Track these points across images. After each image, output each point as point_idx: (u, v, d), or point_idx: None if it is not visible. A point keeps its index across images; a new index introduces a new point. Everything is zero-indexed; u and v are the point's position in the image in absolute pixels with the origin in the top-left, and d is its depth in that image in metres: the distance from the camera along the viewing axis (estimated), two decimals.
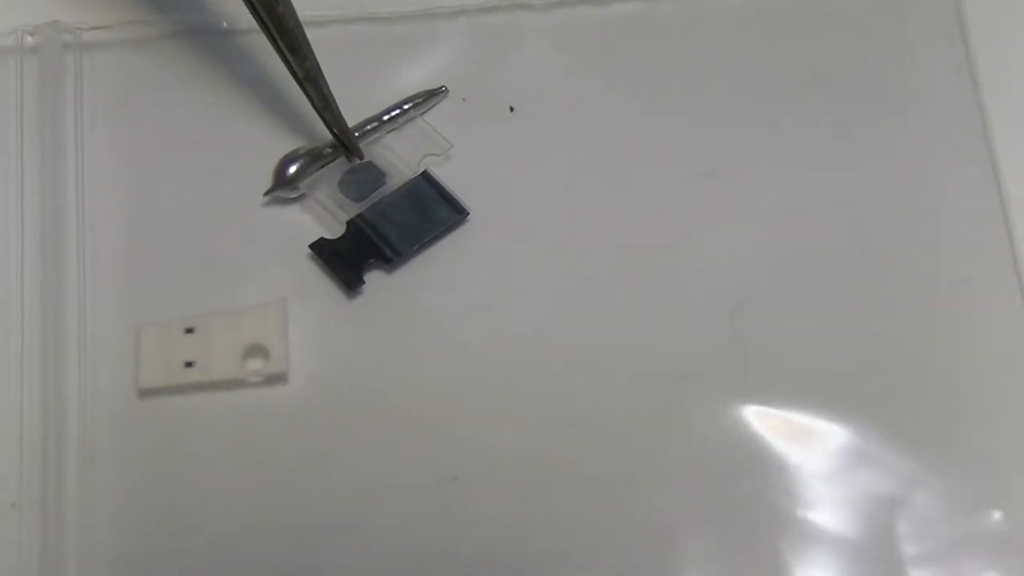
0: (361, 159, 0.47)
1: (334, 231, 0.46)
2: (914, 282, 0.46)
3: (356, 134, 0.47)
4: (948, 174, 0.47)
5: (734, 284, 0.46)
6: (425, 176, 0.46)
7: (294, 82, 0.45)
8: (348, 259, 0.45)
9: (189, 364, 0.44)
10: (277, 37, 0.44)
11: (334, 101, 0.45)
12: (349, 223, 0.46)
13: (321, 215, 0.46)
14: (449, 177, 0.47)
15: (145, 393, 0.44)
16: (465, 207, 0.46)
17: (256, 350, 0.44)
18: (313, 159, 0.46)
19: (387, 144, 0.47)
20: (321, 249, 0.45)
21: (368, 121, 0.47)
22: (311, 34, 0.45)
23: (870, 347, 0.45)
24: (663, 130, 0.48)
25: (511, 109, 0.48)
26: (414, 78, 0.48)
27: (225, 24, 0.48)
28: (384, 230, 0.46)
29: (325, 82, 0.45)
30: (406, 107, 0.47)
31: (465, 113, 0.48)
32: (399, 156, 0.47)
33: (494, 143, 0.47)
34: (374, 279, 0.46)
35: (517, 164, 0.47)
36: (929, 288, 0.46)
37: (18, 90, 0.47)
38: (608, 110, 0.48)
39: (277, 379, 0.44)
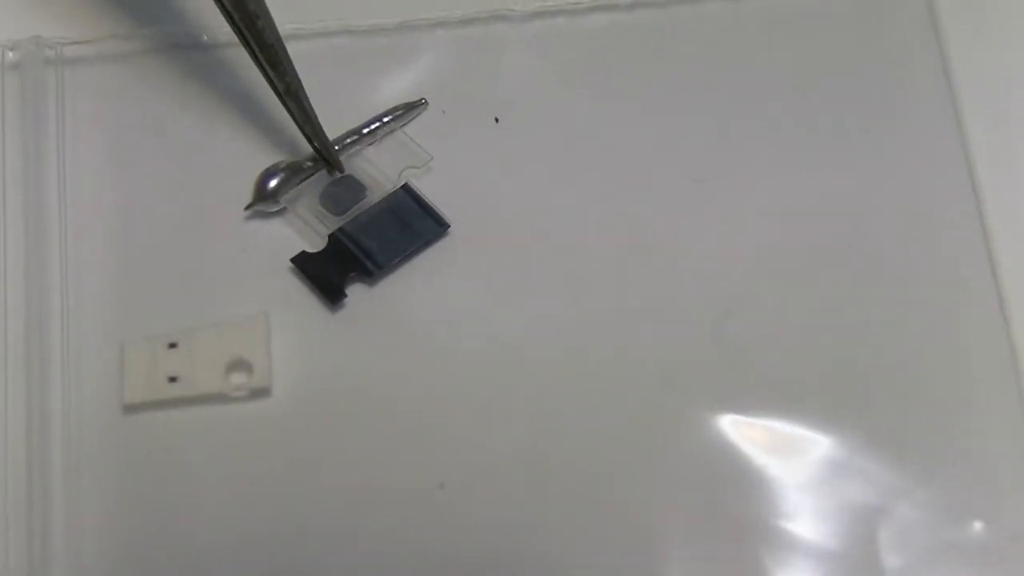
0: (342, 173, 0.47)
1: (315, 244, 0.46)
2: (898, 293, 0.46)
3: (336, 147, 0.47)
4: (933, 182, 0.47)
5: (719, 292, 0.46)
6: (406, 189, 0.47)
7: (275, 96, 0.45)
8: (330, 273, 0.45)
9: (173, 379, 0.44)
10: (257, 51, 0.44)
11: (315, 115, 0.45)
12: (330, 237, 0.46)
13: (302, 229, 0.46)
14: (430, 189, 0.47)
15: (130, 408, 0.44)
16: (446, 220, 0.46)
17: (240, 364, 0.44)
18: (294, 172, 0.46)
19: (367, 157, 0.47)
20: (303, 263, 0.46)
21: (348, 134, 0.47)
22: (292, 47, 0.45)
23: (854, 357, 0.45)
24: (647, 139, 0.48)
25: (496, 120, 0.48)
26: (395, 90, 0.48)
27: (206, 38, 0.48)
28: (365, 244, 0.46)
29: (306, 96, 0.45)
30: (386, 119, 0.47)
31: (445, 125, 0.48)
32: (379, 169, 0.47)
33: (475, 155, 0.47)
34: (356, 292, 0.46)
35: (498, 176, 0.47)
36: (913, 298, 0.46)
37: None
38: (589, 120, 0.48)
39: (261, 393, 0.44)
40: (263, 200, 0.46)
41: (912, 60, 0.49)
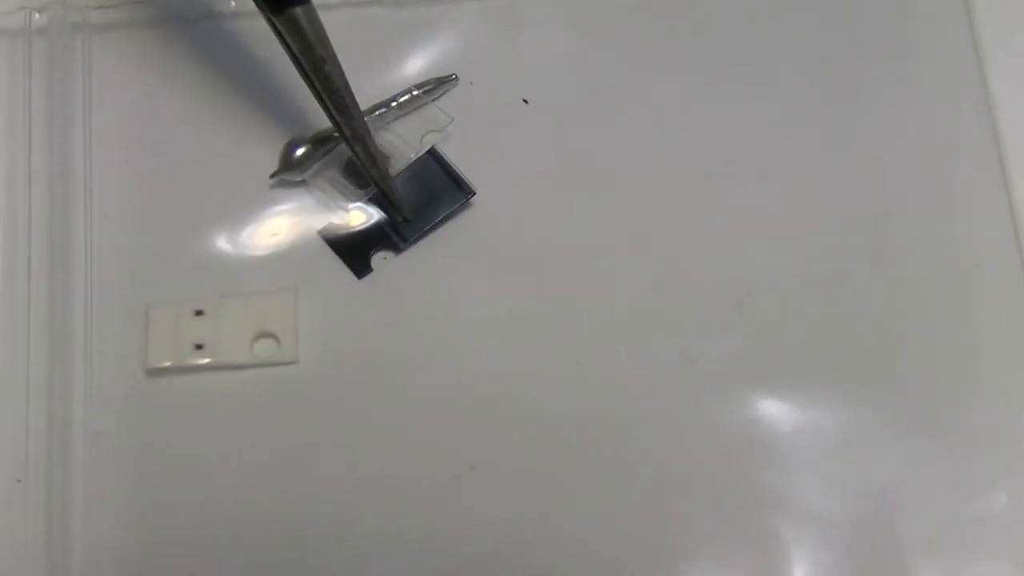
0: (408, 220, 0.46)
1: (341, 216, 0.46)
2: (920, 267, 0.46)
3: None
4: (959, 164, 0.47)
5: (741, 272, 0.46)
6: (432, 154, 0.46)
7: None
8: (356, 244, 0.46)
9: (199, 346, 0.44)
10: (324, 97, 0.43)
11: (382, 160, 0.45)
12: (356, 208, 0.46)
13: (327, 200, 0.46)
14: (457, 160, 0.47)
15: (152, 372, 0.44)
16: (471, 186, 0.46)
17: (266, 336, 0.45)
18: (319, 143, 0.46)
19: (393, 129, 0.47)
20: (329, 234, 0.46)
21: (378, 106, 0.47)
22: (324, 16, 0.44)
23: (876, 330, 0.45)
24: (675, 117, 0.48)
25: (525, 101, 0.48)
26: (424, 61, 0.48)
27: (234, 5, 0.48)
28: (391, 215, 0.46)
29: (372, 141, 0.44)
30: (415, 92, 0.47)
31: (473, 97, 0.48)
32: (402, 139, 0.47)
33: (502, 126, 0.48)
34: (382, 262, 0.46)
35: (525, 147, 0.47)
36: (934, 272, 0.46)
37: (26, 70, 0.47)
38: (617, 96, 0.48)
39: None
40: (288, 169, 0.46)
41: (943, 43, 0.49)
